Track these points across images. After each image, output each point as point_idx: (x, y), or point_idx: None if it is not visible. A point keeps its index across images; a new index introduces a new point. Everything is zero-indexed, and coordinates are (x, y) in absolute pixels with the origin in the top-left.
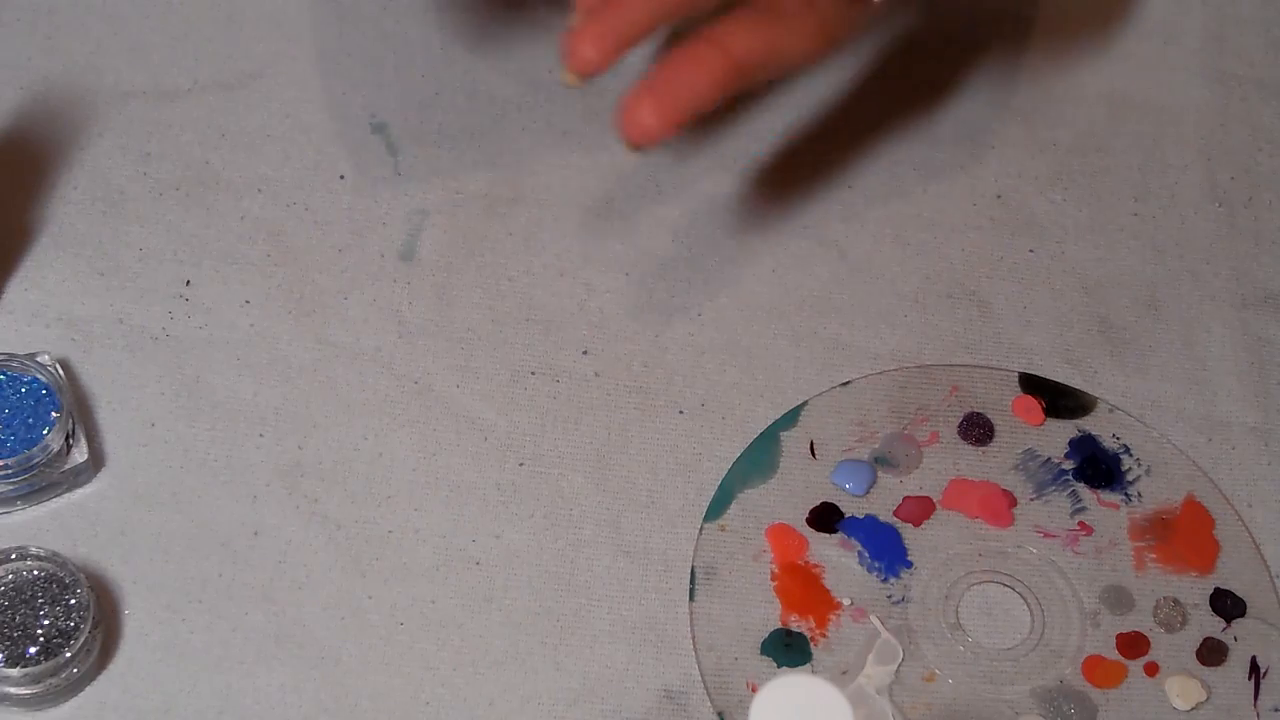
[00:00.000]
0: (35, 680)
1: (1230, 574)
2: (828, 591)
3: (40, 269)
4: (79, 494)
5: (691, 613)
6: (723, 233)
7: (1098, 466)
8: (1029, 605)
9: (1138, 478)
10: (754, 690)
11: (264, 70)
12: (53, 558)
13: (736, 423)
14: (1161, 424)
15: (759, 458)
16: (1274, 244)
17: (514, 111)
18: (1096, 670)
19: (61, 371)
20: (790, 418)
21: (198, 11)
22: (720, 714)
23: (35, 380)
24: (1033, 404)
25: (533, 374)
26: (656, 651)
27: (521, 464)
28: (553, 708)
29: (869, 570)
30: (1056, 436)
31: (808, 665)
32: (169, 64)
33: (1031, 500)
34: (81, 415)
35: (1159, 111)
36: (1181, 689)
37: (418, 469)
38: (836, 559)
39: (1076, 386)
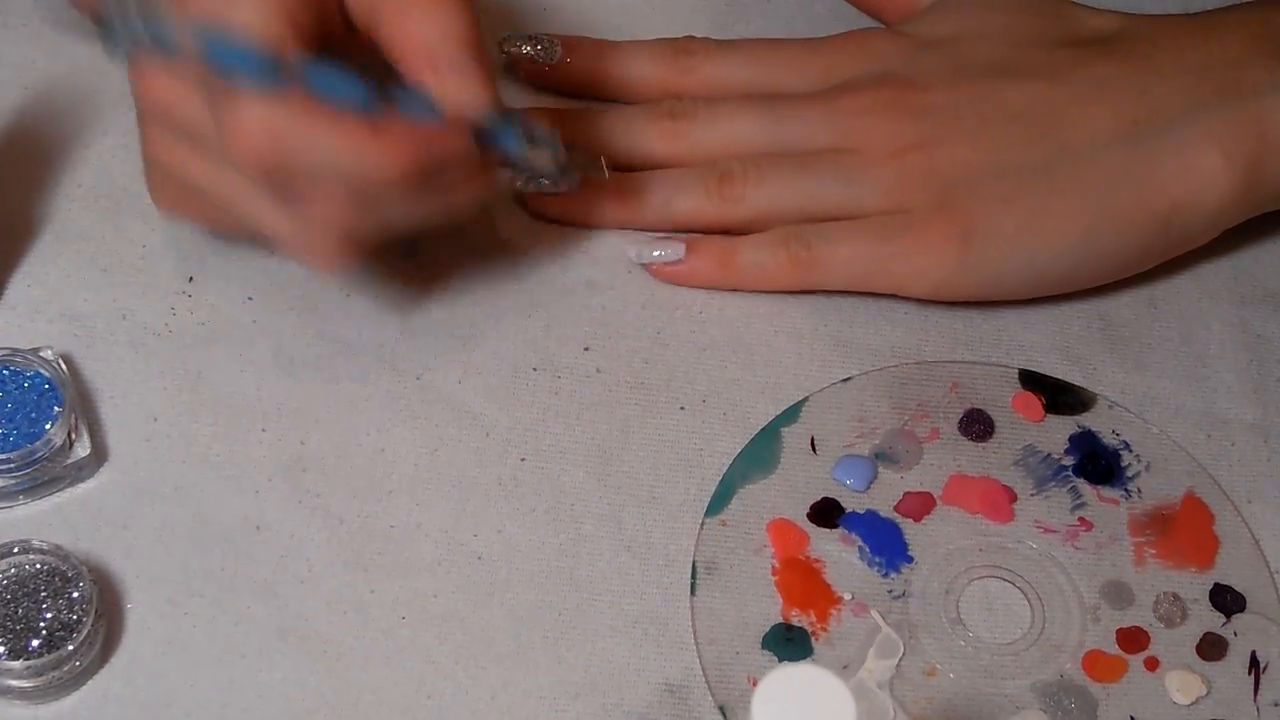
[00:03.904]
0: (38, 673)
1: (1230, 569)
2: (828, 586)
3: (43, 265)
4: (81, 488)
5: (693, 607)
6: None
7: (1097, 462)
8: (1029, 600)
9: (1137, 474)
10: (755, 684)
11: None
12: (55, 551)
13: (738, 418)
14: (1161, 420)
15: (760, 453)
16: (1273, 242)
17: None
18: (1097, 665)
19: (64, 366)
20: (791, 413)
21: None
22: (721, 708)
23: (38, 375)
24: (1033, 400)
25: (534, 370)
26: (658, 646)
27: (523, 459)
28: (554, 701)
29: (870, 565)
30: (1056, 432)
31: (809, 660)
32: None
33: (1032, 496)
34: (84, 410)
35: None
36: (1181, 684)
37: (419, 464)
38: (837, 554)
39: (1076, 383)
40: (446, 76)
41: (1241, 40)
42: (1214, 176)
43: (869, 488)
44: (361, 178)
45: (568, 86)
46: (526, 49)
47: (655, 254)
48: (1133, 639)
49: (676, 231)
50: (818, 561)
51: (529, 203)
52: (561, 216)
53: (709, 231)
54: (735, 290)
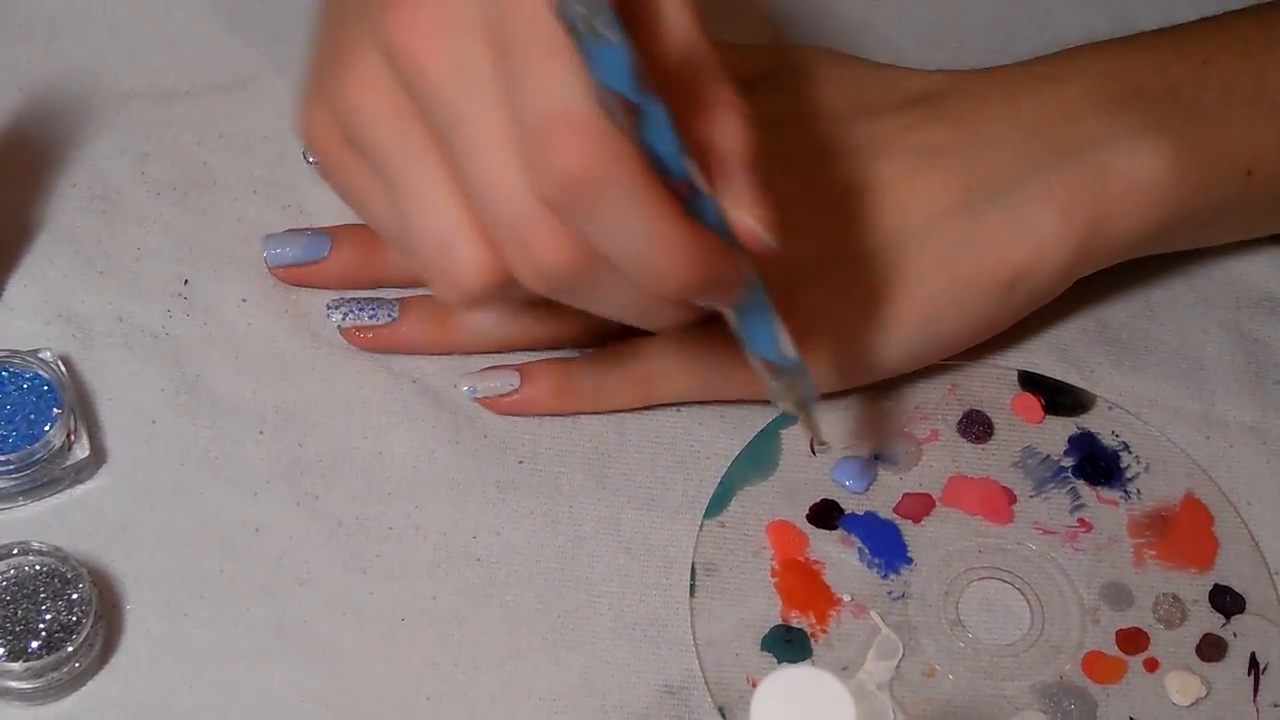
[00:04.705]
0: (37, 675)
1: (1229, 570)
2: (828, 588)
3: (40, 266)
4: (81, 490)
5: (692, 609)
6: None
7: (1097, 464)
8: (1029, 601)
9: (1137, 475)
10: (754, 686)
11: (260, 73)
12: (55, 553)
13: (736, 419)
14: (1160, 422)
15: (759, 454)
16: (1267, 246)
17: None
18: (1096, 666)
19: (63, 368)
20: (791, 415)
21: (196, 15)
22: (721, 709)
23: (37, 376)
24: (1032, 401)
25: None
26: (657, 647)
27: (521, 462)
28: (554, 703)
29: (869, 566)
30: (1056, 434)
31: (808, 661)
32: (167, 66)
33: (1031, 497)
34: (83, 411)
35: None
36: (1181, 685)
37: (418, 466)
38: (836, 555)
39: (1075, 384)
40: (743, 193)
41: (1080, 90)
42: (1054, 238)
43: (868, 489)
44: (642, 274)
45: (336, 284)
46: (290, 251)
47: (490, 385)
48: (1132, 640)
49: (500, 351)
50: (817, 563)
51: (342, 334)
52: (373, 346)
53: (536, 348)
54: (576, 416)
